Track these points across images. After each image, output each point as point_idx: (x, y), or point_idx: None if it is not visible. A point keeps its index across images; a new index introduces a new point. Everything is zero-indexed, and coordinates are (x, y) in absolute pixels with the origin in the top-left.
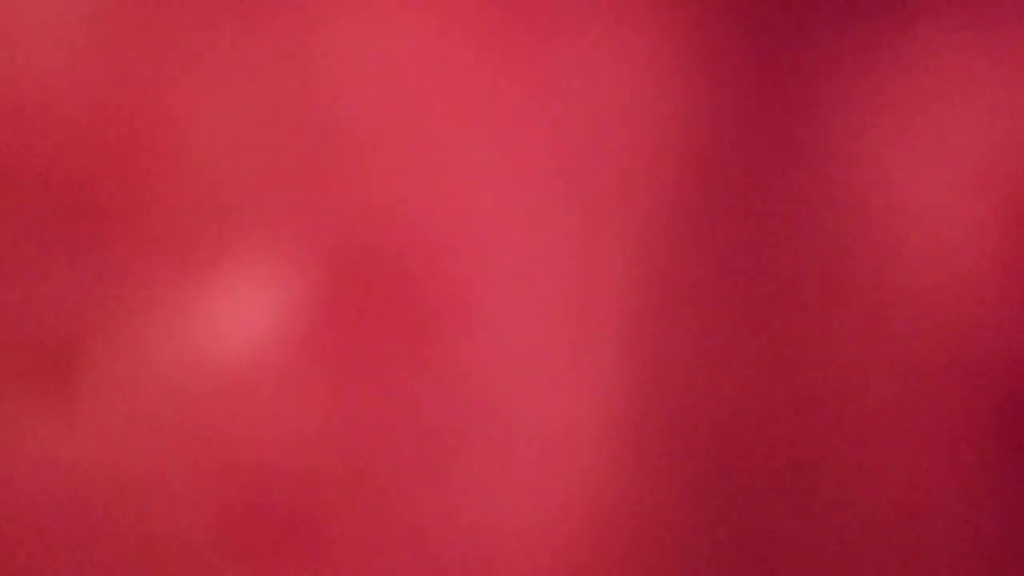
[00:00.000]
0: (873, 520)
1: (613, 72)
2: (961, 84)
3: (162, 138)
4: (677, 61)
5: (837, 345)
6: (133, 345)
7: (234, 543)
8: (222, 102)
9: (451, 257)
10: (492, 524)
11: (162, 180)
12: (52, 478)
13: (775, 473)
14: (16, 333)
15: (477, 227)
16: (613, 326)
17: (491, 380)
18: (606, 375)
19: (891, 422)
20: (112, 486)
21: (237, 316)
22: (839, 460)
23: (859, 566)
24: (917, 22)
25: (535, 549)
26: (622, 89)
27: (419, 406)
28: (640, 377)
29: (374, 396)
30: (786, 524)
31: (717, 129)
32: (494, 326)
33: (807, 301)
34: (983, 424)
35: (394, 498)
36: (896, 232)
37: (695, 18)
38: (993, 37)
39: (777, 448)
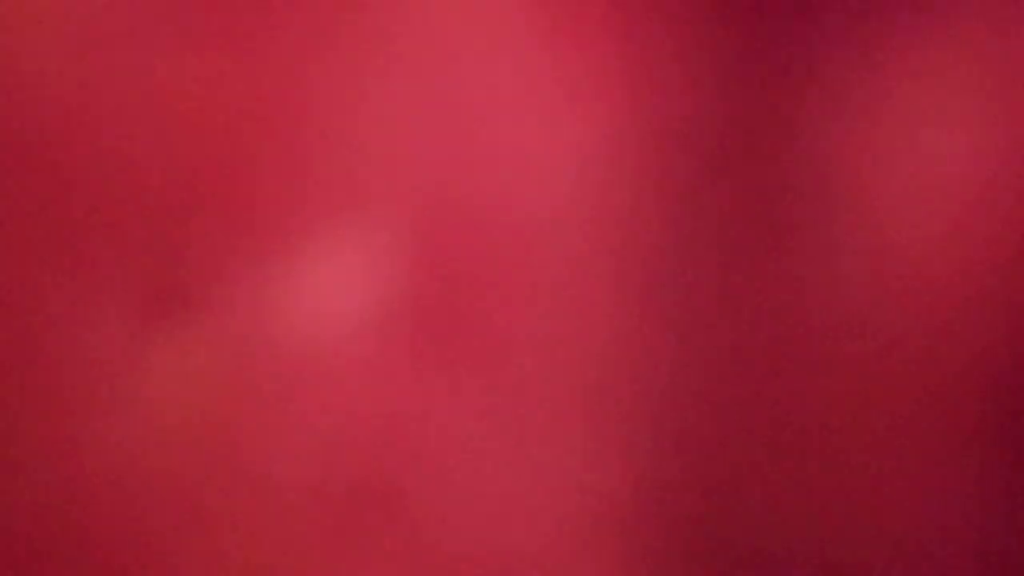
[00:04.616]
0: (875, 520)
1: (630, 68)
2: (961, 80)
3: (263, 119)
4: (681, 59)
5: (838, 343)
6: (232, 305)
7: (327, 513)
8: (321, 84)
9: (533, 242)
10: (562, 503)
11: (257, 160)
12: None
13: (774, 474)
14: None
15: (561, 215)
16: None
17: (567, 360)
18: (616, 372)
19: (893, 424)
20: (200, 456)
21: (328, 294)
22: (840, 459)
23: (860, 567)
24: (918, 21)
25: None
26: (630, 86)
27: (502, 382)
28: (642, 376)
29: (461, 371)
30: (786, 523)
31: (714, 128)
32: (572, 309)
33: (807, 299)
34: (986, 424)
35: (483, 472)
36: (897, 230)
37: (691, 13)
38: (993, 34)
39: (776, 449)
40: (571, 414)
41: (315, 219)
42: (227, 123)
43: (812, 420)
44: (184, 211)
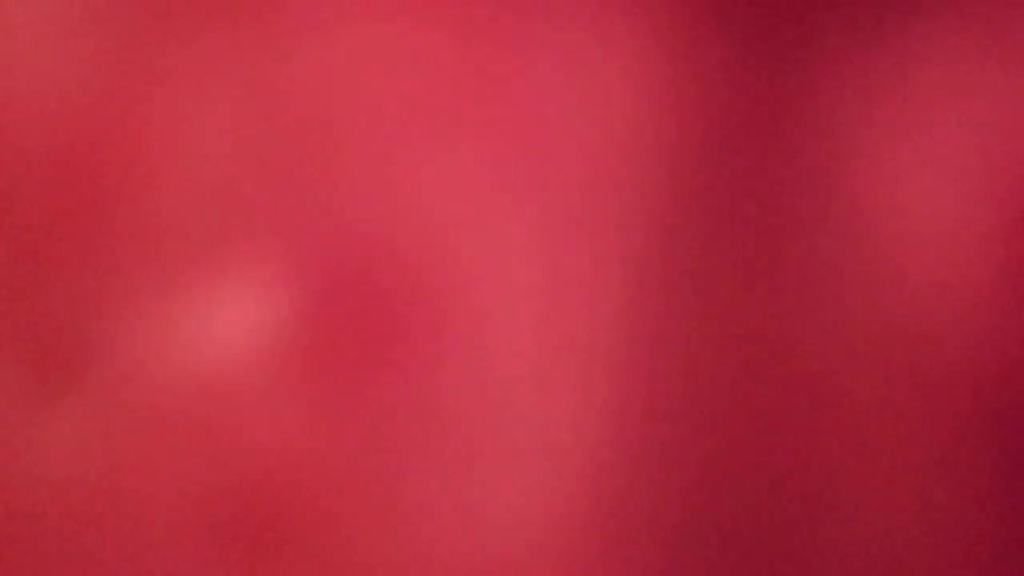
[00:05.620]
0: (869, 524)
1: (599, 71)
2: (960, 81)
3: (148, 154)
4: (665, 57)
5: (833, 348)
6: (118, 357)
7: (219, 552)
8: (208, 118)
9: (435, 270)
10: (474, 540)
11: (147, 195)
12: (40, 481)
13: (770, 476)
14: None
15: (461, 241)
16: (600, 330)
17: (471, 393)
18: (595, 381)
19: (888, 428)
20: (97, 495)
21: (222, 329)
22: (835, 465)
23: (854, 571)
24: (915, 18)
25: (522, 565)
26: (608, 88)
27: (401, 419)
28: (634, 378)
29: (358, 408)
30: (781, 526)
31: (707, 128)
32: (477, 339)
33: (802, 303)
34: (982, 431)
35: (376, 508)
36: (893, 233)
37: (684, 13)
38: (992, 34)
39: (772, 452)
40: (483, 442)
41: (211, 252)
42: (110, 157)
43: (801, 426)
44: (71, 251)
